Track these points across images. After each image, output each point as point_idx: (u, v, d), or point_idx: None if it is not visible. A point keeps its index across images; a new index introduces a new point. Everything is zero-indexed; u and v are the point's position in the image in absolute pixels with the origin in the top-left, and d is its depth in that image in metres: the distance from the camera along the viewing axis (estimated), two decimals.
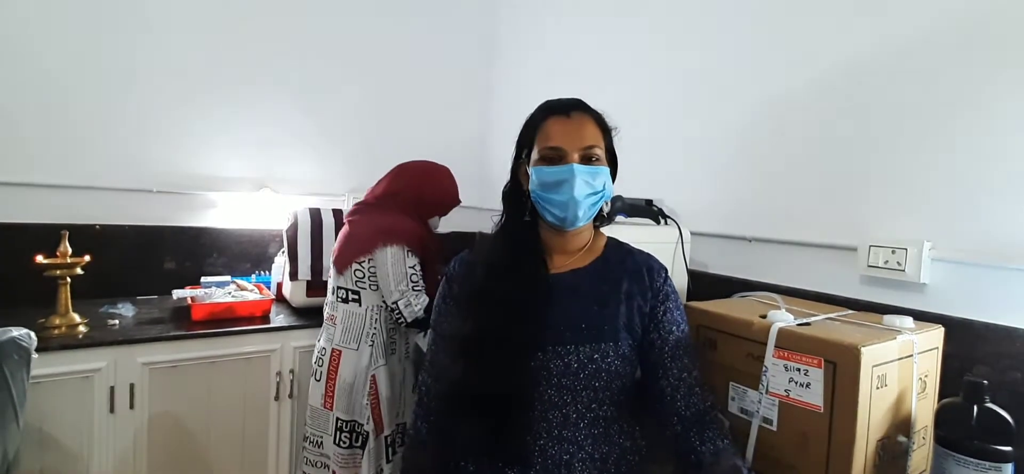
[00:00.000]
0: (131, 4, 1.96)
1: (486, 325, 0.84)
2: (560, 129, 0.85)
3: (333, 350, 1.49)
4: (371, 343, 1.48)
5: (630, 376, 0.87)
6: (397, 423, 1.53)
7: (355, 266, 1.48)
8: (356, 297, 1.50)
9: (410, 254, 1.46)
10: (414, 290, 1.45)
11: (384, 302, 1.48)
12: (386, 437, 1.48)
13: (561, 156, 0.84)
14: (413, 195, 1.54)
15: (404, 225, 1.47)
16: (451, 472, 0.88)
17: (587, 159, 0.85)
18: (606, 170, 0.87)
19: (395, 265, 1.44)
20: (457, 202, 1.64)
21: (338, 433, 1.47)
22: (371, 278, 1.48)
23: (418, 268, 1.47)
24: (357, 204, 1.59)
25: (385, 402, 1.47)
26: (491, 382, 0.81)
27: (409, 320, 1.44)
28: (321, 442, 1.51)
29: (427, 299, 1.46)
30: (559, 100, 0.89)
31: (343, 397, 1.47)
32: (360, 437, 1.47)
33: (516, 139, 0.92)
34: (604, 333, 0.84)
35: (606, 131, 0.90)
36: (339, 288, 1.53)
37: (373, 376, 1.46)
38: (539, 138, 0.87)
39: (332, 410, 1.48)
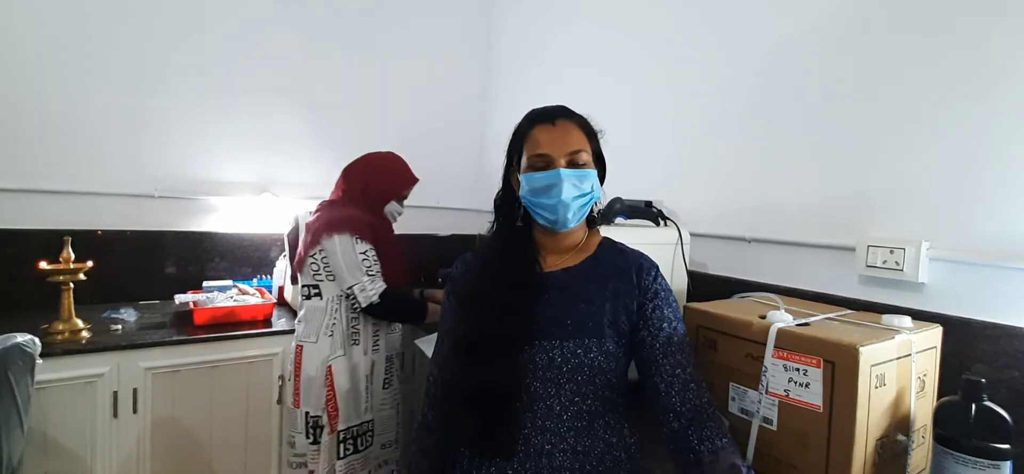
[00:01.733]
0: (132, 12, 1.97)
1: (478, 324, 0.88)
2: (546, 137, 0.89)
3: (296, 346, 1.52)
4: (330, 334, 1.49)
5: (615, 372, 0.88)
6: (361, 421, 1.50)
7: (310, 260, 1.51)
8: (317, 291, 1.52)
9: (359, 241, 1.47)
10: (369, 274, 1.46)
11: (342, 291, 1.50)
12: (339, 433, 1.46)
13: (548, 162, 0.88)
14: (359, 187, 1.58)
15: (350, 215, 1.50)
16: (452, 457, 0.94)
17: (573, 163, 0.88)
18: (593, 173, 0.90)
19: (345, 253, 1.45)
20: (410, 181, 1.66)
21: (308, 429, 1.49)
22: (326, 269, 1.50)
23: (371, 254, 1.49)
24: (317, 206, 1.62)
25: (342, 394, 1.46)
26: (481, 377, 0.85)
27: (364, 305, 1.46)
28: (294, 441, 1.51)
29: (384, 285, 1.48)
30: (544, 108, 0.93)
31: (309, 391, 1.48)
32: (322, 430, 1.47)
33: (506, 148, 0.95)
34: (588, 329, 0.86)
35: (591, 135, 0.93)
36: (303, 286, 1.55)
37: (330, 366, 1.46)
38: (527, 146, 0.91)
39: (300, 407, 1.49)
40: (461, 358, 0.88)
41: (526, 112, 0.95)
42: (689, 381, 0.85)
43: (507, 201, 0.96)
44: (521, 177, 0.91)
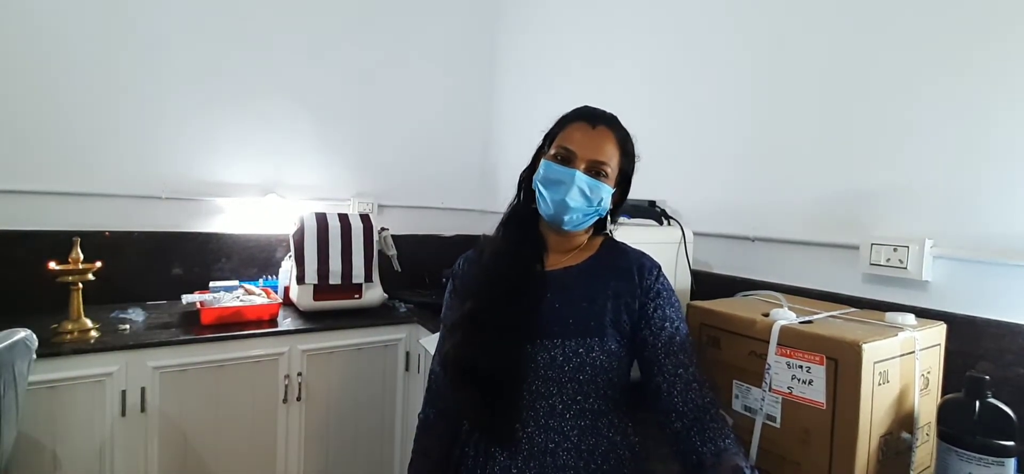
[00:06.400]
0: (140, 13, 1.99)
1: (483, 302, 0.88)
2: (580, 135, 0.89)
3: None
4: None
5: (618, 372, 0.88)
6: None
7: None
8: None
9: None
10: None
11: None
12: None
13: (569, 159, 0.88)
14: None
15: None
16: (455, 455, 0.94)
17: (592, 172, 0.88)
18: (607, 189, 0.90)
19: None
20: None
21: None
22: None
23: None
24: None
25: None
26: (483, 357, 0.85)
27: None
28: None
29: None
30: (593, 109, 0.93)
31: None
32: None
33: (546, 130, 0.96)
34: (590, 328, 0.86)
35: (626, 154, 0.93)
36: None
37: None
38: (561, 136, 0.91)
39: None
40: (464, 334, 0.88)
41: (576, 106, 0.95)
42: (691, 381, 0.85)
43: (529, 180, 0.97)
44: (542, 161, 0.91)
